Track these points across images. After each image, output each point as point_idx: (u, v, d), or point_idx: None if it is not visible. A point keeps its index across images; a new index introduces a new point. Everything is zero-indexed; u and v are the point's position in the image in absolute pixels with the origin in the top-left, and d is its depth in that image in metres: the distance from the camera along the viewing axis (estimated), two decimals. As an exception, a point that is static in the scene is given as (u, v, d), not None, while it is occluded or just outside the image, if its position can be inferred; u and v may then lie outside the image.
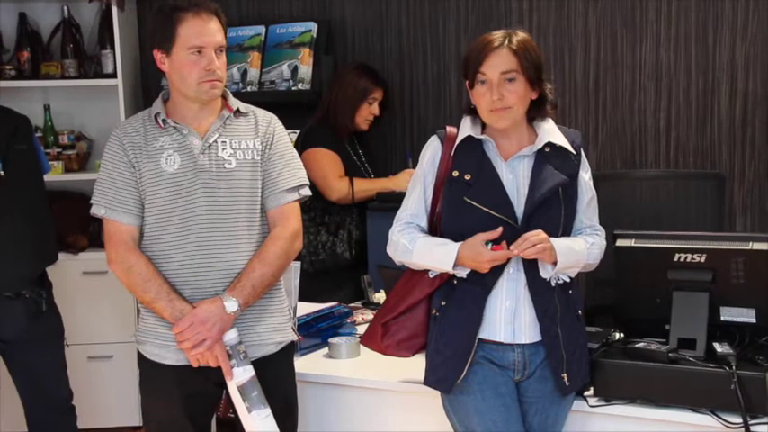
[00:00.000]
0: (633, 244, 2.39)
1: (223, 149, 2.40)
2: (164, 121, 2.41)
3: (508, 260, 2.26)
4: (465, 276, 2.28)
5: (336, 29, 4.21)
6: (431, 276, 2.34)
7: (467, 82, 2.32)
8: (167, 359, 2.40)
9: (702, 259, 2.31)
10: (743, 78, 3.67)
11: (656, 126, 3.79)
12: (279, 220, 2.45)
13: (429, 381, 2.36)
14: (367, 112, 3.73)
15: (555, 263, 2.26)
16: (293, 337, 2.55)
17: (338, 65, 4.11)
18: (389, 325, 2.42)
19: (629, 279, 2.43)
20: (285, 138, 2.52)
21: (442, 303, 2.32)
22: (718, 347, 2.28)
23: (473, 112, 2.35)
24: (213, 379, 2.39)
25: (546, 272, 2.27)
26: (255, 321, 2.42)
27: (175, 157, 2.38)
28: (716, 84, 3.71)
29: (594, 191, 2.40)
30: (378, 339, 2.44)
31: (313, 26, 4.08)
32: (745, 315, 2.31)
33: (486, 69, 2.25)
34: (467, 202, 2.27)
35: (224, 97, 2.47)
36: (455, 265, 2.26)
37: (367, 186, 3.68)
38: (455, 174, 2.30)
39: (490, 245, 2.23)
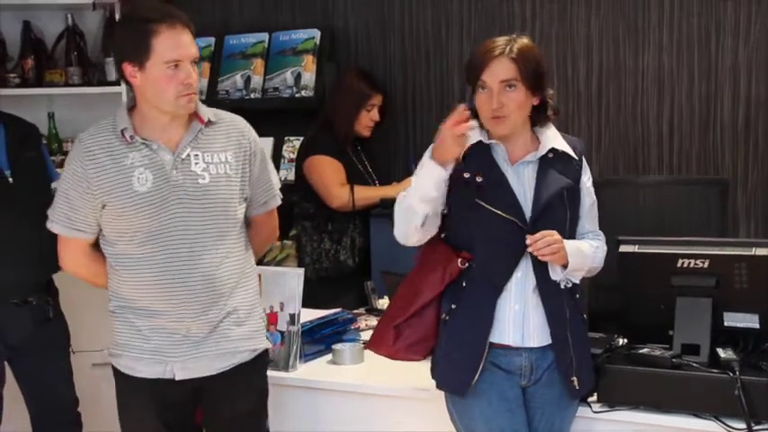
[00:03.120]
0: (636, 250, 2.40)
1: (196, 164, 2.36)
2: (131, 137, 2.34)
3: (517, 263, 2.28)
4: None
5: (339, 35, 4.22)
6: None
7: (469, 87, 2.34)
8: (141, 372, 2.39)
9: (706, 265, 2.32)
10: (745, 83, 3.67)
11: (659, 131, 3.80)
12: (267, 222, 2.59)
13: (441, 385, 2.36)
14: (367, 119, 3.74)
15: (565, 265, 2.28)
16: (266, 344, 2.53)
17: (341, 71, 4.12)
18: (401, 328, 2.41)
19: (632, 285, 2.44)
20: (260, 144, 2.52)
21: (452, 307, 2.33)
22: (722, 353, 2.29)
23: (475, 116, 2.36)
24: (189, 385, 2.40)
25: (556, 274, 2.29)
26: (228, 330, 2.41)
27: (147, 175, 2.33)
28: (718, 89, 3.71)
29: (595, 196, 2.42)
30: (389, 343, 2.43)
31: (316, 33, 4.09)
32: (749, 321, 2.31)
33: (486, 77, 2.27)
34: (477, 204, 2.28)
35: None
36: (431, 161, 2.25)
37: (368, 194, 3.68)
38: (466, 175, 2.30)
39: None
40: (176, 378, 2.37)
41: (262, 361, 2.52)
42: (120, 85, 4.13)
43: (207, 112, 2.42)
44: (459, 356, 2.31)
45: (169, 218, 2.33)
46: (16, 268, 3.07)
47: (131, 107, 2.40)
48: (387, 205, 3.62)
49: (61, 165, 4.08)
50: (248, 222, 2.53)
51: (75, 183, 2.36)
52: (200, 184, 2.35)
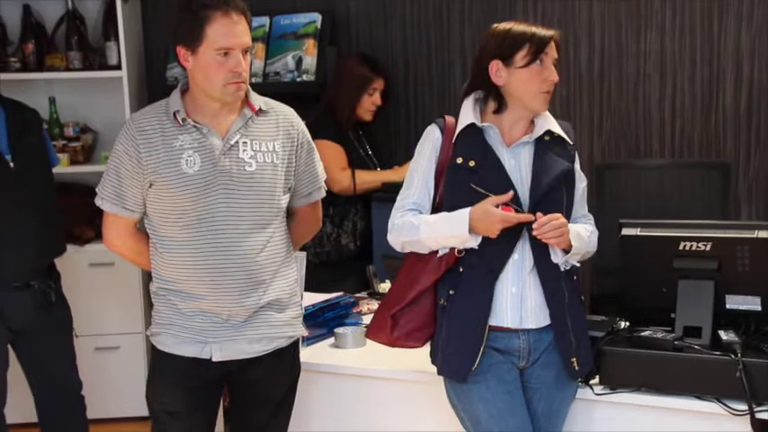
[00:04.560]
0: (639, 233, 2.40)
1: (244, 151, 2.38)
2: (183, 119, 2.36)
3: (513, 246, 2.28)
4: (477, 247, 2.27)
5: (341, 20, 4.21)
6: (440, 255, 2.32)
7: (496, 62, 2.30)
8: (179, 350, 2.41)
9: (708, 248, 2.32)
10: (748, 67, 3.66)
11: (661, 115, 3.79)
12: (310, 214, 2.61)
13: (443, 371, 2.36)
14: (369, 103, 3.74)
15: (566, 249, 2.28)
16: (303, 332, 2.57)
17: (342, 56, 4.11)
18: (398, 317, 2.40)
19: (634, 268, 2.44)
20: (309, 135, 2.54)
21: (450, 293, 2.33)
22: (724, 335, 2.30)
23: (492, 95, 2.34)
24: (223, 368, 2.42)
25: (557, 257, 2.29)
26: (269, 315, 2.43)
27: (195, 158, 2.35)
28: (721, 72, 3.70)
29: (586, 180, 2.43)
30: (387, 332, 2.42)
31: (317, 17, 4.08)
32: (751, 303, 2.32)
33: (549, 50, 2.31)
34: (472, 189, 2.28)
35: (245, 93, 2.41)
36: (467, 222, 2.25)
37: (369, 178, 3.69)
38: (459, 161, 2.31)
39: (500, 207, 2.24)
40: (213, 359, 2.39)
41: (294, 348, 2.54)
42: (120, 69, 4.15)
43: (258, 101, 2.43)
44: (460, 342, 2.31)
45: (212, 202, 2.35)
46: (17, 252, 3.07)
47: (184, 90, 2.41)
48: (388, 189, 3.63)
49: (63, 149, 4.13)
50: (291, 213, 2.55)
51: (126, 159, 2.38)
52: (247, 172, 2.37)
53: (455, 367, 2.33)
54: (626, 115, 3.84)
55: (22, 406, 3.40)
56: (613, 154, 3.84)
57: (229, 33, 2.30)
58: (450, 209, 2.31)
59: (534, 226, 2.23)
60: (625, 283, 2.49)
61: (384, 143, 4.03)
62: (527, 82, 2.29)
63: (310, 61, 4.02)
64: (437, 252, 2.34)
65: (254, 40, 4.10)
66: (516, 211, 2.26)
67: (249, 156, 2.38)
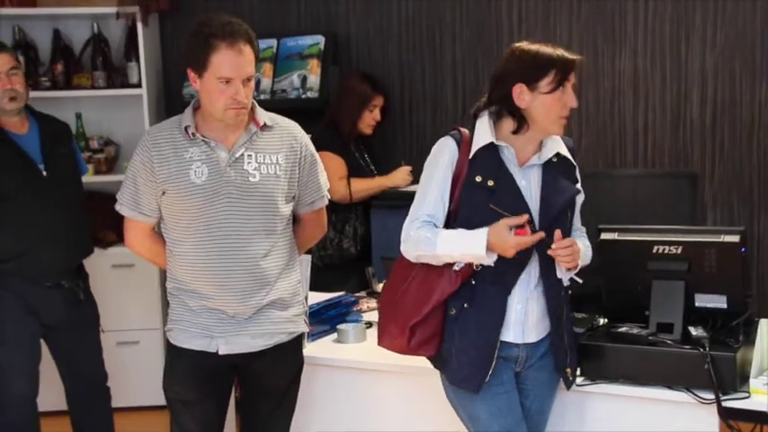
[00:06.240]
0: (616, 237, 2.40)
1: (249, 163, 2.37)
2: (193, 134, 2.37)
3: (527, 262, 2.20)
4: (492, 264, 2.18)
5: (342, 41, 4.22)
6: (457, 269, 2.20)
7: (520, 86, 2.15)
8: (188, 344, 2.42)
9: (679, 251, 2.32)
10: (712, 86, 3.68)
11: (635, 129, 3.80)
12: (314, 220, 2.60)
13: (455, 380, 2.26)
14: (369, 118, 3.74)
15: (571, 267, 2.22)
16: (305, 328, 2.57)
17: (344, 75, 4.11)
18: (415, 328, 2.25)
19: (612, 269, 2.44)
20: (312, 148, 2.53)
21: (465, 306, 2.22)
22: (693, 331, 2.30)
23: (515, 116, 2.19)
24: (229, 360, 2.42)
25: (561, 273, 2.23)
26: (271, 313, 2.43)
27: (203, 169, 2.35)
28: (688, 90, 3.72)
29: (584, 196, 2.37)
30: (404, 342, 2.27)
31: (321, 39, 4.08)
32: (718, 301, 2.33)
33: (572, 78, 2.18)
34: (491, 209, 2.16)
35: (251, 109, 2.40)
36: (484, 241, 2.13)
37: (364, 186, 3.68)
38: (478, 179, 2.18)
39: (513, 230, 2.15)
40: (219, 352, 2.40)
41: (297, 342, 2.54)
42: (141, 87, 4.15)
43: (264, 117, 2.42)
44: (475, 355, 2.21)
45: (219, 210, 2.35)
46: (50, 253, 3.08)
47: (197, 107, 2.41)
48: (385, 197, 3.65)
49: (87, 161, 4.13)
50: (296, 219, 2.55)
51: (141, 169, 2.39)
52: (251, 182, 2.36)
53: (468, 377, 2.22)
54: (602, 129, 3.86)
55: (53, 395, 3.40)
56: (591, 164, 3.84)
57: (232, 65, 2.28)
58: (467, 226, 2.18)
59: (553, 247, 2.15)
60: (604, 283, 2.48)
61: (381, 154, 4.03)
62: (549, 107, 2.17)
63: (314, 80, 4.03)
64: (451, 264, 2.20)
65: (263, 60, 4.14)
66: (531, 226, 2.15)
67: (253, 167, 2.37)
